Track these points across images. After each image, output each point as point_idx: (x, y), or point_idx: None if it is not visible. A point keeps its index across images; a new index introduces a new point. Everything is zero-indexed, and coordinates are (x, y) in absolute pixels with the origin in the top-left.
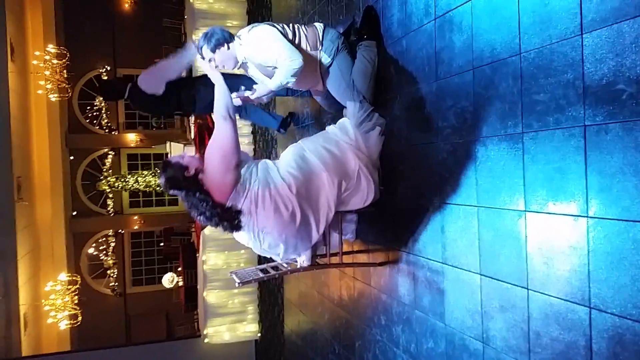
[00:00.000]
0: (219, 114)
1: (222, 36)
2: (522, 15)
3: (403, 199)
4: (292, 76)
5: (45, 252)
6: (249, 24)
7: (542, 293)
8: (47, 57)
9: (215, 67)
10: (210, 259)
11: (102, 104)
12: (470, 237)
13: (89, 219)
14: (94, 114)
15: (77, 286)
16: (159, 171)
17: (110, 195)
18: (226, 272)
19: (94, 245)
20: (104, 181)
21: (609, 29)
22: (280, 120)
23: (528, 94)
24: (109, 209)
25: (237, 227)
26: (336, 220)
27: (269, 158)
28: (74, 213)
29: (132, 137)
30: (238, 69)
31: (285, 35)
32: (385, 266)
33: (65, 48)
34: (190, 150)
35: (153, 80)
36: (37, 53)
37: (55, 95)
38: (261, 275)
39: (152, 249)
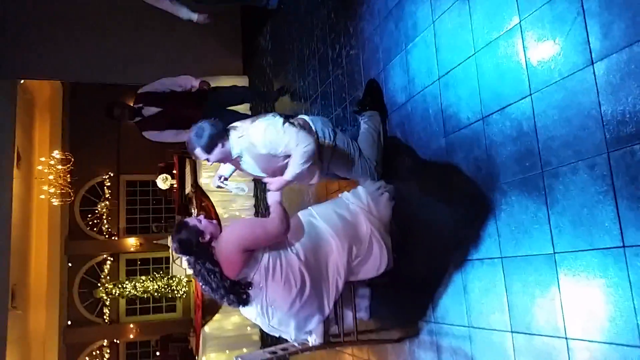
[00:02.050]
0: (277, 214)
1: (216, 133)
2: (528, 58)
3: (419, 263)
4: (307, 161)
5: None
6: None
7: (583, 340)
8: (52, 162)
9: (210, 163)
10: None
11: (104, 210)
12: (497, 292)
13: (84, 328)
14: (95, 221)
15: None
16: (173, 232)
17: (107, 303)
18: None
19: (87, 358)
20: (101, 288)
21: (618, 54)
22: None
23: (543, 132)
24: (105, 317)
25: (245, 302)
26: (349, 296)
27: None
28: (69, 323)
29: (132, 242)
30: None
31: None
32: (404, 342)
33: (70, 154)
34: None
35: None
36: (42, 159)
37: (58, 200)
38: (269, 356)
39: None
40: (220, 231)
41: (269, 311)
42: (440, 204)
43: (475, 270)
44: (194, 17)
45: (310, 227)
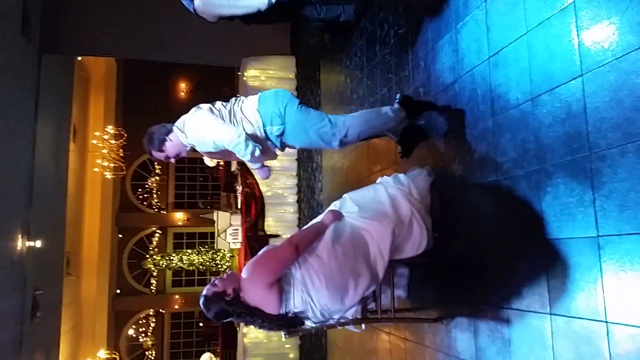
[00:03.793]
0: (288, 241)
1: (160, 132)
2: (581, 38)
3: (459, 244)
4: (246, 152)
5: (86, 329)
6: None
7: (625, 324)
8: (106, 137)
9: (174, 160)
10: (251, 332)
11: (154, 184)
12: (537, 273)
13: (132, 297)
14: (145, 195)
15: None
16: (202, 309)
17: (155, 274)
18: (268, 346)
19: (134, 326)
20: (149, 259)
21: None
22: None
23: (593, 113)
24: (152, 287)
25: (302, 323)
26: (387, 274)
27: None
28: (118, 291)
29: (179, 216)
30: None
31: (221, 116)
32: (441, 322)
33: (123, 129)
34: (237, 219)
35: None
36: (96, 133)
37: (111, 173)
38: (308, 327)
39: (191, 330)
40: (239, 279)
41: (326, 315)
42: (484, 185)
43: (517, 251)
44: None
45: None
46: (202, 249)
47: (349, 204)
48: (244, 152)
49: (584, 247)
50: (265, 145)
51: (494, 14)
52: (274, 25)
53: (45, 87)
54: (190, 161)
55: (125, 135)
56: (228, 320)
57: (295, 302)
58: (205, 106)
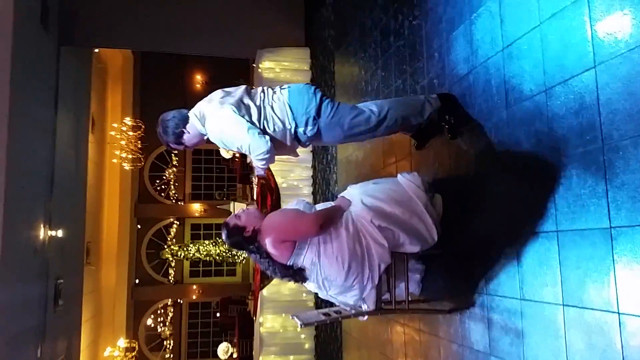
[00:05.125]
0: (315, 216)
1: (175, 125)
2: (594, 29)
3: (473, 235)
4: (262, 161)
5: (106, 318)
6: None
7: (637, 316)
8: (124, 129)
9: (190, 148)
10: (267, 322)
11: (171, 176)
12: (551, 265)
13: (151, 287)
14: (163, 186)
15: (135, 353)
16: (222, 232)
17: (173, 264)
18: (283, 336)
19: (152, 316)
20: (167, 250)
21: None
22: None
23: (606, 105)
24: (170, 277)
25: (303, 279)
26: (402, 268)
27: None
28: (137, 281)
29: (196, 207)
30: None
31: (249, 115)
32: (455, 313)
33: (141, 120)
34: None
35: None
36: (114, 125)
37: (129, 164)
38: (323, 318)
39: (209, 320)
40: (261, 220)
41: (325, 284)
42: (498, 176)
43: (530, 243)
44: None
45: (356, 202)
46: (218, 240)
47: (363, 195)
48: (263, 164)
49: (597, 238)
50: (290, 144)
51: (507, 5)
52: (288, 12)
53: (64, 78)
54: (207, 153)
55: (143, 126)
56: (241, 251)
57: (305, 261)
58: (231, 100)
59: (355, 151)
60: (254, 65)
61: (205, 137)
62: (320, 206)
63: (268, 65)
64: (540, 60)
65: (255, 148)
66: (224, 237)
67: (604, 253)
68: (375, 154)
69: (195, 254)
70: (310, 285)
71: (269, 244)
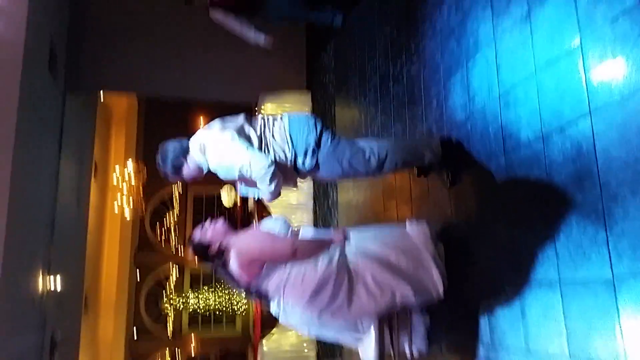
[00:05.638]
0: (292, 243)
1: (175, 155)
2: (589, 77)
3: (475, 286)
4: (270, 187)
5: None
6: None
7: None
8: (128, 173)
9: (188, 180)
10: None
11: (172, 222)
12: (555, 316)
13: (148, 342)
14: (163, 233)
15: None
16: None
17: (171, 316)
18: None
19: None
20: (166, 300)
21: None
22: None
23: (603, 152)
24: (168, 328)
25: (266, 301)
26: (404, 322)
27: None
28: (135, 338)
29: None
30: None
31: (250, 141)
32: None
33: (144, 164)
34: None
35: None
36: (117, 167)
37: (131, 214)
38: None
39: None
40: (228, 235)
41: (286, 310)
42: (498, 224)
43: (533, 293)
44: (261, 40)
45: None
46: (218, 286)
47: (366, 240)
48: (267, 186)
49: (599, 288)
50: (289, 174)
51: (503, 53)
52: (290, 58)
53: (68, 124)
54: (209, 200)
55: (146, 168)
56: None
57: (270, 284)
58: (232, 126)
59: (356, 195)
60: (257, 109)
61: (205, 171)
62: (313, 231)
63: (270, 108)
64: (536, 107)
65: (256, 163)
66: (190, 250)
67: (607, 303)
68: (376, 198)
69: (195, 304)
70: (273, 307)
71: (235, 263)
